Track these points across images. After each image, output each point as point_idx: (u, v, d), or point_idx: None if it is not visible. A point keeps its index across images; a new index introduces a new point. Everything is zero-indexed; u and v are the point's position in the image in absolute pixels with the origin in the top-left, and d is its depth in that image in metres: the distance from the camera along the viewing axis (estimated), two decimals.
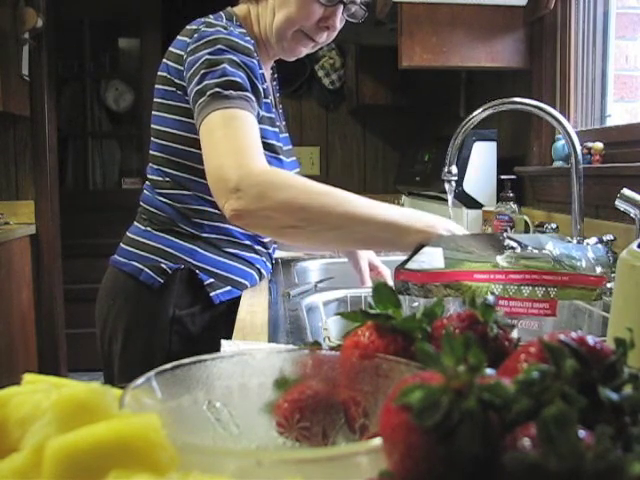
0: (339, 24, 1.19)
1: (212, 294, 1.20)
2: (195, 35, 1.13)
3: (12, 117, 3.01)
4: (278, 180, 0.98)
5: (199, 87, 1.07)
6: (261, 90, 1.14)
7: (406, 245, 0.93)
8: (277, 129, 1.25)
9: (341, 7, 1.16)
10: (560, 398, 0.28)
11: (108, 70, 3.93)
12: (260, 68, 1.18)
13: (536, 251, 0.77)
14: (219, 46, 1.10)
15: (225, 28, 1.13)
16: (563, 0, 1.85)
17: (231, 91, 1.05)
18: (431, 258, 0.80)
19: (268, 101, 1.22)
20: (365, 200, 0.97)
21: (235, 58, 1.09)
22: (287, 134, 1.37)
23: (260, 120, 1.17)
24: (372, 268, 1.36)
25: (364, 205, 0.96)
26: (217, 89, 1.05)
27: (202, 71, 1.08)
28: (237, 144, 1.00)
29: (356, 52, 3.20)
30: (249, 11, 1.24)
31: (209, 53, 1.09)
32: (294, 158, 1.36)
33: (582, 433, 0.27)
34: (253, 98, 1.08)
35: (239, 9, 1.25)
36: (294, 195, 0.95)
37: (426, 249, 0.83)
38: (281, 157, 1.24)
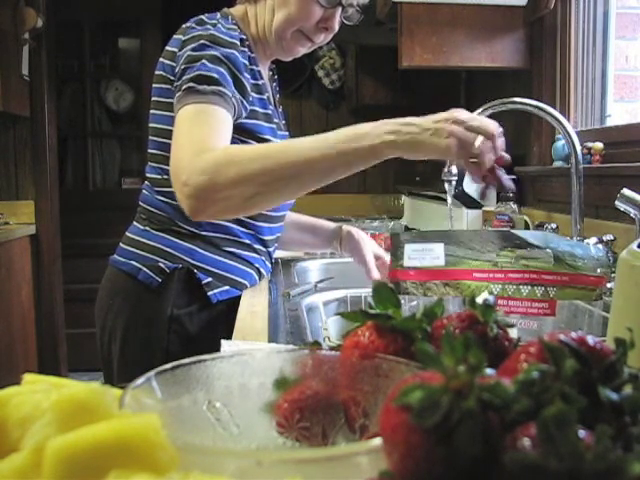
0: (337, 26, 1.20)
1: (210, 293, 1.20)
2: (189, 33, 1.14)
3: (12, 117, 3.01)
4: (222, 159, 0.96)
5: (178, 83, 1.09)
6: (245, 83, 1.14)
7: (366, 163, 0.95)
8: (274, 125, 1.26)
9: (340, 9, 1.17)
10: (560, 398, 0.28)
11: (108, 70, 3.93)
12: (256, 65, 1.20)
13: (537, 250, 0.77)
14: (202, 41, 1.11)
15: (214, 25, 1.14)
16: (563, 0, 1.85)
17: (205, 86, 1.05)
18: (432, 255, 0.80)
19: (264, 97, 1.23)
20: (309, 139, 0.97)
21: (216, 53, 1.10)
22: (287, 133, 1.37)
23: (255, 116, 1.18)
24: (377, 258, 1.37)
25: (310, 144, 0.96)
26: (191, 84, 1.06)
27: (183, 67, 1.10)
28: (194, 138, 1.00)
29: (356, 52, 3.21)
30: (246, 11, 1.25)
31: (191, 49, 1.11)
32: None
33: (582, 433, 0.27)
34: (229, 93, 1.08)
35: (235, 9, 1.26)
36: (242, 167, 0.95)
37: (426, 245, 0.83)
38: None
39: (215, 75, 1.07)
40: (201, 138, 1.00)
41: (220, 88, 1.06)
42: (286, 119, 1.44)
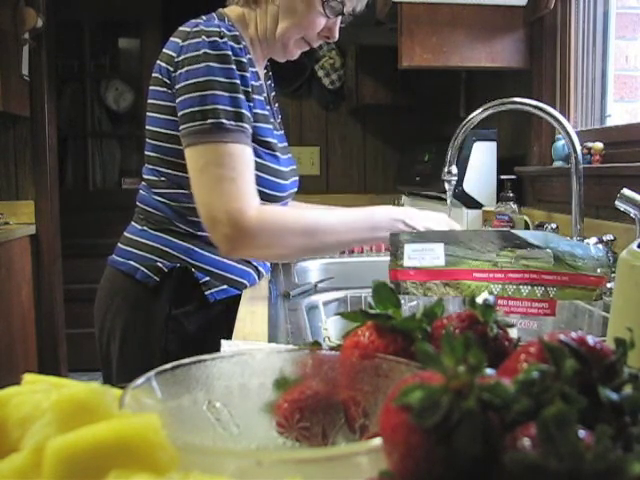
0: (337, 34, 1.24)
1: (207, 293, 1.20)
2: (191, 40, 1.13)
3: (12, 117, 3.01)
4: (269, 227, 1.11)
5: (200, 108, 1.10)
6: (250, 102, 1.16)
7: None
8: (271, 125, 1.26)
9: (340, 17, 1.22)
10: (560, 398, 0.28)
11: (108, 70, 3.93)
12: (253, 66, 1.21)
13: (537, 250, 0.77)
14: (222, 65, 1.11)
15: (221, 36, 1.13)
16: (563, 0, 1.85)
17: (232, 122, 1.10)
18: (432, 255, 0.80)
19: (262, 98, 1.24)
20: (343, 220, 1.19)
21: (234, 80, 1.12)
22: (282, 132, 1.37)
23: (256, 118, 1.19)
24: None
25: (344, 226, 1.18)
26: (221, 120, 1.09)
27: (201, 93, 1.10)
28: (230, 187, 1.08)
29: (356, 52, 3.20)
30: (243, 14, 1.25)
31: (210, 71, 1.11)
32: (289, 155, 1.36)
33: (582, 433, 0.27)
34: (248, 125, 1.14)
35: (231, 10, 1.25)
36: (285, 239, 1.13)
37: (426, 245, 0.83)
38: (277, 154, 1.25)
39: (240, 109, 1.12)
40: (235, 188, 1.09)
41: (244, 124, 1.12)
42: (282, 117, 1.44)
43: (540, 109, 1.36)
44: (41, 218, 3.14)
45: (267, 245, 1.12)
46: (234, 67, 1.12)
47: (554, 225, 1.55)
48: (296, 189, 1.37)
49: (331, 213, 1.21)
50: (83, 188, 3.89)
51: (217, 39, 1.12)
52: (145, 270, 1.20)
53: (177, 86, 1.14)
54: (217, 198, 1.08)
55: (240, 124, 1.11)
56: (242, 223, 1.07)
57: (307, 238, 1.14)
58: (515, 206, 1.79)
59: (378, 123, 3.44)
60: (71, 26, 3.71)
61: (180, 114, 1.12)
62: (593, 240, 1.31)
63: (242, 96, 1.13)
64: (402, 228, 1.20)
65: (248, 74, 1.15)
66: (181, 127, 1.12)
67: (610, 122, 1.78)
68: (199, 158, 1.10)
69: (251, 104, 1.16)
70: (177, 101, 1.13)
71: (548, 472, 0.26)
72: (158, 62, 1.20)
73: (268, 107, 1.28)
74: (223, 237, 1.09)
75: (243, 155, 1.11)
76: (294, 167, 1.36)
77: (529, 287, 0.74)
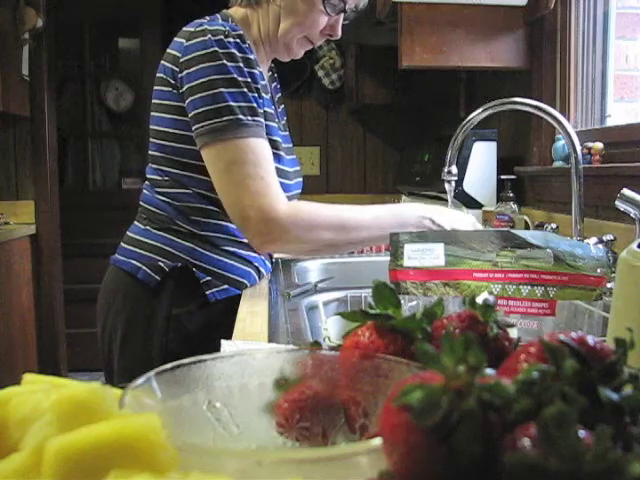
0: (340, 32, 1.25)
1: (208, 292, 1.20)
2: (196, 39, 1.13)
3: (12, 117, 3.01)
4: (303, 220, 1.12)
5: (213, 106, 1.10)
6: (261, 97, 1.17)
7: None
8: (276, 124, 1.27)
9: (342, 15, 1.22)
10: (560, 398, 0.28)
11: (108, 70, 3.93)
12: (258, 66, 1.21)
13: (537, 250, 0.77)
14: (230, 62, 1.11)
15: (226, 35, 1.13)
16: (563, 0, 1.85)
17: (248, 117, 1.10)
18: (432, 255, 0.80)
19: (267, 98, 1.24)
20: (372, 216, 1.19)
21: (247, 79, 1.13)
22: (287, 133, 1.38)
23: (264, 117, 1.19)
24: None
25: (374, 222, 1.18)
26: (237, 115, 1.09)
27: (214, 91, 1.10)
28: (256, 184, 1.09)
29: (356, 52, 3.20)
30: (246, 14, 1.25)
31: (219, 69, 1.11)
32: (294, 156, 1.36)
33: (582, 433, 0.27)
34: (262, 119, 1.14)
35: (234, 11, 1.26)
36: (317, 233, 1.14)
37: (426, 245, 0.83)
38: (281, 153, 1.25)
39: (253, 104, 1.12)
40: (261, 184, 1.10)
41: (259, 119, 1.13)
42: (286, 119, 1.44)
43: (540, 109, 1.36)
44: (41, 218, 3.14)
45: (299, 239, 1.13)
46: (242, 64, 1.12)
47: (554, 225, 1.55)
48: (300, 190, 1.37)
49: (360, 209, 1.21)
50: (83, 188, 3.89)
51: (222, 37, 1.13)
52: (147, 269, 1.20)
53: (186, 86, 1.13)
54: (246, 196, 1.09)
55: (256, 118, 1.12)
56: (274, 219, 1.09)
57: (337, 233, 1.16)
58: (515, 206, 1.79)
59: (378, 123, 3.44)
60: (71, 26, 3.71)
61: (192, 114, 1.12)
62: (593, 240, 1.31)
63: (253, 92, 1.13)
64: (430, 225, 1.20)
65: (256, 71, 1.15)
66: (195, 127, 1.12)
67: (610, 122, 1.78)
68: (220, 157, 1.10)
69: (261, 100, 1.16)
70: (187, 101, 1.13)
71: (548, 472, 0.26)
72: (162, 62, 1.21)
73: (273, 107, 1.29)
74: (257, 233, 1.10)
75: (264, 149, 1.12)
76: (298, 168, 1.36)
77: (529, 287, 0.74)
